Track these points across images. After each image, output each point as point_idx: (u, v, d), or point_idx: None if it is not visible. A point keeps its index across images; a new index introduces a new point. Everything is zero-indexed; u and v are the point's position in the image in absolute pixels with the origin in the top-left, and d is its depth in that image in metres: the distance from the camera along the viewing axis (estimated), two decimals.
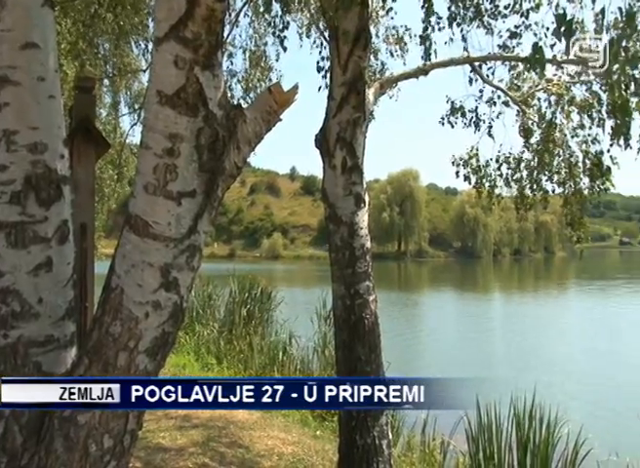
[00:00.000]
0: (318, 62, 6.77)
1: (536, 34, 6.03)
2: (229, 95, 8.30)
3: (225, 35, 7.51)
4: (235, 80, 8.65)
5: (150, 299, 2.10)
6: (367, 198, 4.89)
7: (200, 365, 10.53)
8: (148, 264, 2.10)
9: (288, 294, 19.85)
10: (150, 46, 7.57)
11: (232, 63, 8.56)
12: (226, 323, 12.67)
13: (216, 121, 2.09)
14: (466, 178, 7.74)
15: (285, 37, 6.79)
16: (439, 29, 5.75)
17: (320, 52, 6.99)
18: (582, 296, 42.47)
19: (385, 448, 4.61)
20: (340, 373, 4.84)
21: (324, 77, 6.20)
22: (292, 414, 7.96)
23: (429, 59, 5.90)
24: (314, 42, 7.51)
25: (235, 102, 2.35)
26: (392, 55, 7.51)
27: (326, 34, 5.65)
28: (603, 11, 3.38)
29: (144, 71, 10.53)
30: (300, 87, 2.37)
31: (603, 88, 6.51)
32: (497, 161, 7.63)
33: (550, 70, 7.25)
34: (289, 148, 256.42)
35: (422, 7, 5.63)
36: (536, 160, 7.56)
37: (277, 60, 8.40)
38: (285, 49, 6.91)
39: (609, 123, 6.56)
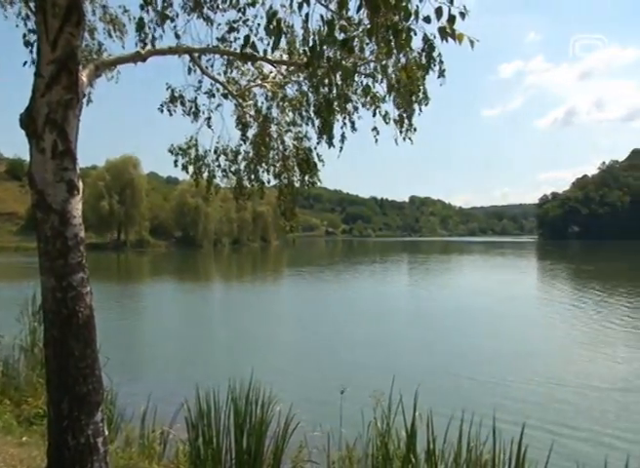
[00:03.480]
0: (25, 35, 6.19)
1: (251, 30, 6.28)
2: None
3: None
4: None
5: None
6: (81, 185, 4.59)
7: None
8: None
9: None
10: None
11: None
12: None
13: None
14: (185, 168, 7.76)
15: None
16: (159, 19, 5.65)
17: (26, 24, 6.40)
18: (295, 282, 45.91)
19: (101, 446, 4.42)
20: (50, 371, 4.49)
21: (31, 52, 5.70)
22: None
23: (153, 46, 5.77)
24: (19, 13, 6.80)
25: None
26: (110, 35, 7.16)
27: (32, 5, 5.17)
28: (307, 17, 3.64)
29: None
30: None
31: (311, 89, 7.08)
32: (215, 152, 7.79)
33: (267, 67, 7.66)
34: None
35: None
36: (253, 152, 7.90)
37: None
38: None
39: (316, 122, 7.18)
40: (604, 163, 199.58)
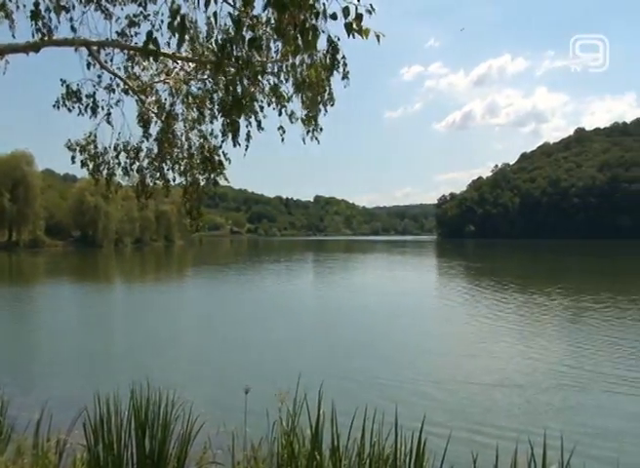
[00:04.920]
0: None
1: (153, 25, 6.12)
2: None
3: None
4: None
5: None
6: None
7: None
8: None
9: None
10: None
11: None
12: None
13: None
14: (84, 165, 7.45)
15: None
16: (54, 10, 5.37)
17: None
18: (198, 282, 45.25)
19: None
20: None
21: None
22: None
23: (48, 37, 5.48)
24: None
25: None
26: None
27: None
28: (215, 14, 3.61)
29: None
30: None
31: (214, 87, 6.99)
32: (115, 149, 7.52)
33: (170, 63, 7.47)
34: None
35: None
36: (157, 150, 7.68)
37: None
38: None
39: (221, 120, 7.08)
40: (497, 166, 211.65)
